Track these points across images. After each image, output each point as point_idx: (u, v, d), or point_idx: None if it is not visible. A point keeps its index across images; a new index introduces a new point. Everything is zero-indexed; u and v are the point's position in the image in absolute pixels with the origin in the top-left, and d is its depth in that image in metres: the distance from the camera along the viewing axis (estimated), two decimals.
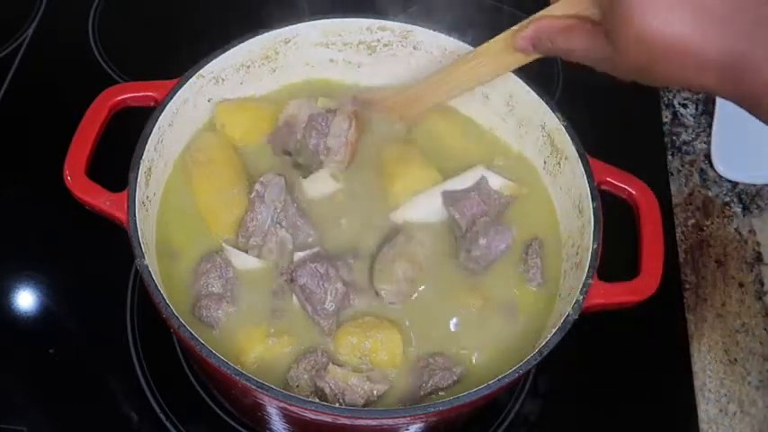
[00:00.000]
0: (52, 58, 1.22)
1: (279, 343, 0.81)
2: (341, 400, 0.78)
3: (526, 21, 0.80)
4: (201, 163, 0.90)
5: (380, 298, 0.84)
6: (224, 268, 0.84)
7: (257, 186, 0.87)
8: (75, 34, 1.25)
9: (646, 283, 0.81)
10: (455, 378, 0.80)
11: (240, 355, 0.80)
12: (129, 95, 0.88)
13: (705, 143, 1.20)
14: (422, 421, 0.75)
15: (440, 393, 0.80)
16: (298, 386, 0.79)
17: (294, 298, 0.84)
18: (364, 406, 0.78)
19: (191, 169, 0.90)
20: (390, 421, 0.74)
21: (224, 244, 0.86)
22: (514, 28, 0.82)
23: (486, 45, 0.87)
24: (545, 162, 0.94)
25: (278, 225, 0.86)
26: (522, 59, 0.84)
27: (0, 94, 1.16)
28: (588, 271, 0.79)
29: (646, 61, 0.68)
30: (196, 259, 0.86)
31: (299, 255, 0.85)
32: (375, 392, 0.78)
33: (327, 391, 0.78)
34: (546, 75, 1.22)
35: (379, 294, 0.84)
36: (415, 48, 0.99)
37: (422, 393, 0.79)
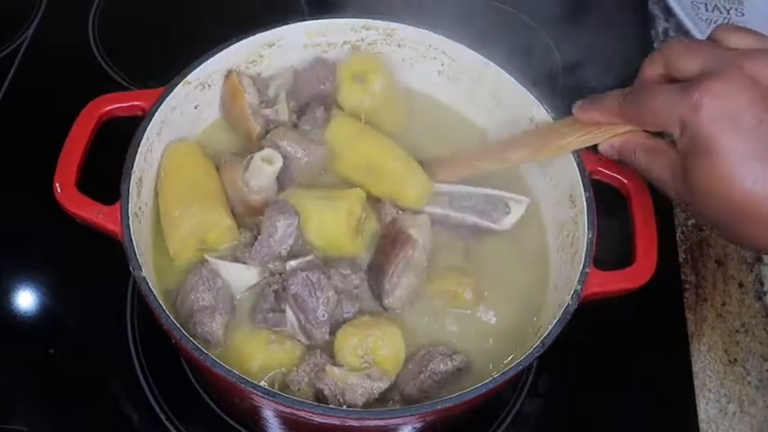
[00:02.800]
0: (52, 58, 1.22)
1: (282, 349, 0.81)
2: (341, 400, 0.77)
3: (616, 127, 0.79)
4: (168, 173, 0.88)
5: (381, 308, 0.85)
6: (211, 280, 0.82)
7: (269, 228, 0.83)
8: (75, 34, 1.25)
9: (641, 270, 0.82)
10: (455, 364, 0.80)
11: (243, 363, 0.80)
12: (115, 106, 0.87)
13: None
14: (430, 418, 0.74)
15: (437, 377, 0.80)
16: (299, 389, 0.79)
17: (287, 306, 0.82)
18: (365, 404, 0.78)
19: (162, 180, 0.89)
20: (399, 420, 0.74)
21: (207, 256, 0.84)
22: (600, 130, 0.80)
23: (561, 123, 0.86)
24: None
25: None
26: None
27: (0, 94, 1.16)
28: (585, 260, 0.80)
29: (725, 219, 0.69)
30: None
31: (291, 264, 0.83)
32: (375, 390, 0.78)
33: (327, 392, 0.77)
34: (547, 75, 1.22)
35: (386, 308, 0.85)
36: (399, 45, 0.99)
37: (422, 377, 0.80)
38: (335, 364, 0.80)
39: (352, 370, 0.79)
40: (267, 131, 0.91)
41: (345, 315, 0.83)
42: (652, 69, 0.76)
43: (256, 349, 0.81)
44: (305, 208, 0.86)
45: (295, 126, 0.94)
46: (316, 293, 0.81)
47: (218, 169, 0.90)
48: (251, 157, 0.87)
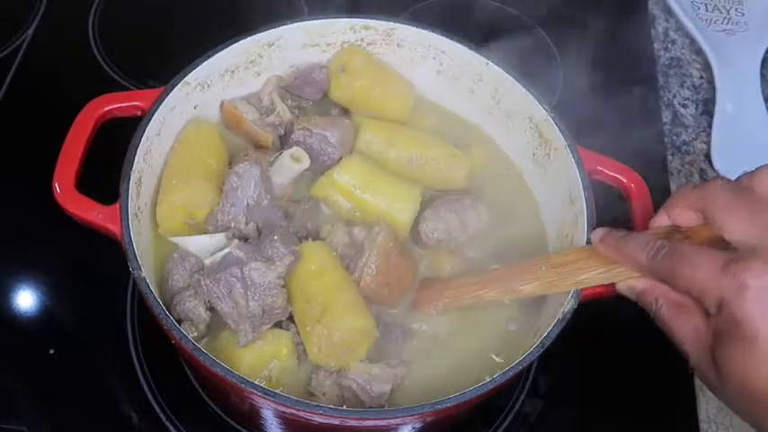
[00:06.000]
0: (52, 58, 1.22)
1: (266, 342, 0.80)
2: (370, 393, 0.78)
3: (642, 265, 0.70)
4: (180, 147, 0.90)
5: None
6: (183, 261, 0.82)
7: (232, 177, 0.84)
8: (75, 34, 1.25)
9: None
10: None
11: (234, 365, 0.77)
12: (114, 106, 0.87)
13: (705, 143, 1.20)
14: (430, 418, 0.74)
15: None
16: (324, 393, 0.79)
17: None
18: (391, 391, 0.79)
19: (173, 151, 0.90)
20: (399, 420, 0.74)
21: (171, 238, 0.84)
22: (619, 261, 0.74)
23: (578, 254, 0.78)
24: (534, 154, 0.94)
25: (250, 220, 0.84)
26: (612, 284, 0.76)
27: (0, 94, 1.16)
28: None
29: (752, 412, 0.63)
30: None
31: (206, 262, 0.81)
32: (399, 376, 0.79)
33: (355, 387, 0.78)
34: (547, 75, 1.22)
35: (421, 236, 0.87)
36: (398, 45, 0.99)
37: None
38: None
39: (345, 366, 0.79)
40: (279, 135, 0.94)
41: (276, 311, 0.80)
42: (683, 211, 0.71)
43: (243, 351, 0.79)
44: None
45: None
46: (225, 299, 0.78)
47: (230, 161, 0.91)
48: (279, 154, 0.89)
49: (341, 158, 0.91)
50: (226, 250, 0.80)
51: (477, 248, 0.91)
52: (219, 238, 0.83)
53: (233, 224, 0.84)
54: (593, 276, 0.75)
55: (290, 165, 0.89)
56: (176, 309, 0.81)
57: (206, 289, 0.79)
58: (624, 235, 0.73)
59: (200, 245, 0.83)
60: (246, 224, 0.84)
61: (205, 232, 0.85)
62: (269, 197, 0.85)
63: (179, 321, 0.81)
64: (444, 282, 0.86)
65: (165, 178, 0.87)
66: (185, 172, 0.87)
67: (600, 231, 0.75)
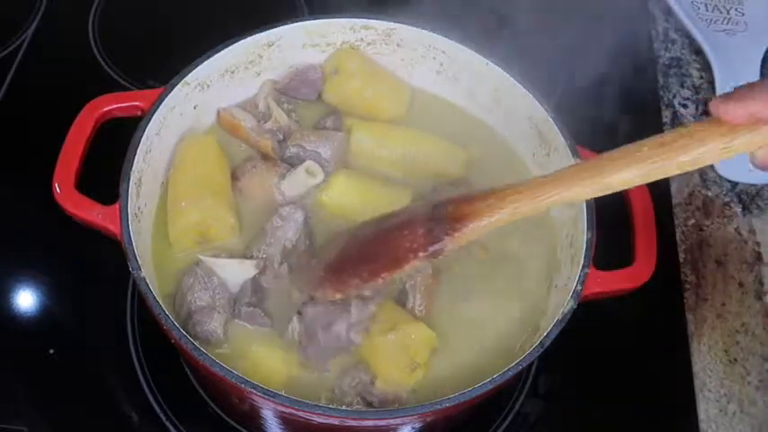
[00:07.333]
0: (52, 58, 1.22)
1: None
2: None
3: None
4: (182, 163, 0.90)
5: None
6: (207, 279, 0.82)
7: (275, 219, 0.85)
8: (75, 34, 1.25)
9: (641, 270, 0.82)
10: None
11: (263, 378, 0.76)
12: (114, 106, 0.88)
13: None
14: (430, 418, 0.75)
15: None
16: (349, 403, 0.79)
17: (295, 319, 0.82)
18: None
19: (175, 168, 0.90)
20: (399, 420, 0.74)
21: (200, 256, 0.84)
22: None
23: (694, 126, 0.63)
24: (534, 154, 0.94)
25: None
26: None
27: (0, 94, 1.16)
28: (584, 261, 0.80)
29: None
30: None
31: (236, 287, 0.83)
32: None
33: (377, 404, 0.78)
34: (546, 75, 1.22)
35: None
36: (398, 45, 0.99)
37: None
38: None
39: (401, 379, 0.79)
40: (278, 140, 0.94)
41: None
42: None
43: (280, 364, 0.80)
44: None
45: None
46: (329, 329, 0.80)
47: (233, 170, 0.91)
48: (295, 169, 0.90)
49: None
50: (251, 275, 0.83)
51: (480, 245, 0.90)
52: (248, 265, 0.84)
53: (266, 263, 0.84)
54: (716, 148, 0.60)
55: (304, 179, 0.90)
56: (195, 327, 0.81)
57: (313, 313, 0.80)
58: (747, 85, 0.58)
59: (231, 269, 0.84)
60: (280, 264, 0.84)
61: (215, 248, 0.86)
62: (308, 242, 0.86)
63: (193, 338, 0.80)
64: (485, 191, 0.68)
65: (171, 198, 0.87)
66: (193, 192, 0.87)
67: (717, 97, 0.59)
